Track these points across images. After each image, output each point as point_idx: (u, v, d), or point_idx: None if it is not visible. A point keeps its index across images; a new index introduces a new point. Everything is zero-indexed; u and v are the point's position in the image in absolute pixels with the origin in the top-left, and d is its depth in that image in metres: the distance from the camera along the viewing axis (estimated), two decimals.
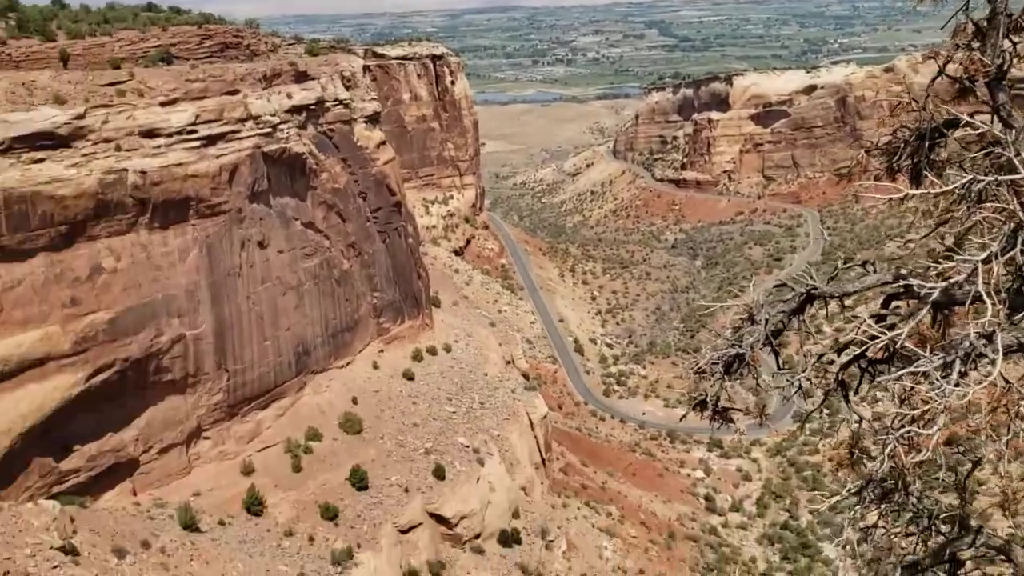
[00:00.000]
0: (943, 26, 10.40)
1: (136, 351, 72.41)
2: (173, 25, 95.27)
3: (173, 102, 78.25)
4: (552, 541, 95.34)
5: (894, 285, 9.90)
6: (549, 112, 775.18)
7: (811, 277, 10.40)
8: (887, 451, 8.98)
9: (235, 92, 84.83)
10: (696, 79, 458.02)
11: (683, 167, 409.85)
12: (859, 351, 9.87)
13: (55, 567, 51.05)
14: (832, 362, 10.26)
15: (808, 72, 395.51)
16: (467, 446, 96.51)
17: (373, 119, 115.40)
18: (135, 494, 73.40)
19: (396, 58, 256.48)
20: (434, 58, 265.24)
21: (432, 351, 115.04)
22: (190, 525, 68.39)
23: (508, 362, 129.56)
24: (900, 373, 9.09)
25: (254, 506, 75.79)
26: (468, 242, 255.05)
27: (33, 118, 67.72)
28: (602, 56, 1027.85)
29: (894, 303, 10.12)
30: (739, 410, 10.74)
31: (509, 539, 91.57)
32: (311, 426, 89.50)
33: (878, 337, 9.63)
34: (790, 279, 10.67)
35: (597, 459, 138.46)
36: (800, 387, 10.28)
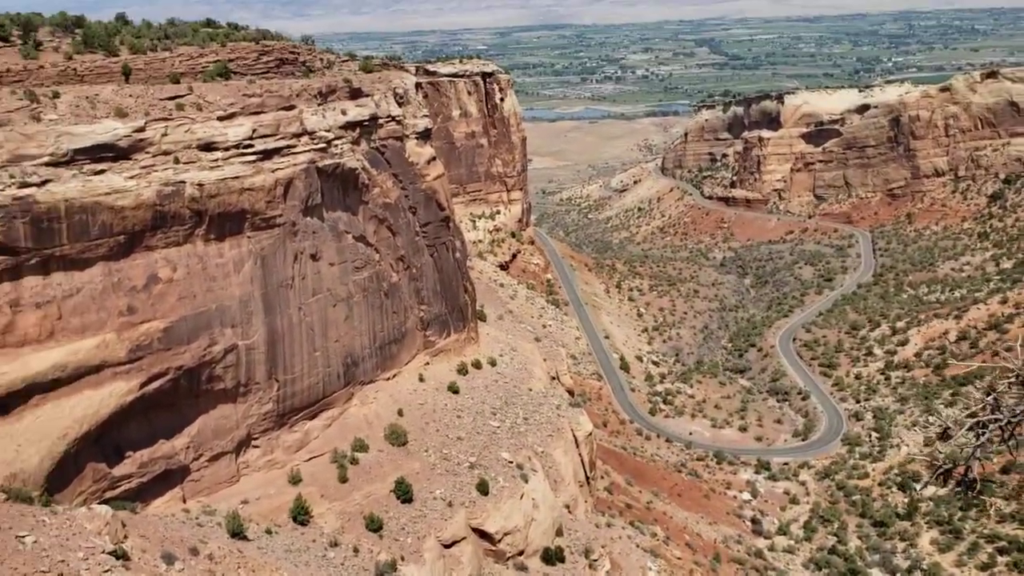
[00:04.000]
0: None
1: (189, 360, 73.71)
2: (231, 41, 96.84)
3: (231, 116, 79.80)
4: (596, 560, 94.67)
5: None
6: (597, 129, 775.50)
7: None
8: None
9: (291, 107, 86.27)
10: (747, 97, 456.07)
11: (732, 185, 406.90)
12: None
13: (106, 571, 51.79)
14: None
15: (861, 91, 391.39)
16: (511, 462, 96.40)
17: (424, 135, 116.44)
18: (184, 501, 74.56)
19: (447, 75, 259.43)
20: (484, 75, 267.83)
21: (477, 365, 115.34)
22: (238, 533, 69.09)
23: (553, 378, 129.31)
24: None
25: (300, 515, 76.47)
26: (514, 256, 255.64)
27: (95, 131, 69.49)
28: (651, 74, 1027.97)
29: None
30: (992, 482, 9.70)
31: (552, 557, 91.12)
32: (357, 437, 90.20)
33: None
34: None
35: (642, 479, 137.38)
36: None
